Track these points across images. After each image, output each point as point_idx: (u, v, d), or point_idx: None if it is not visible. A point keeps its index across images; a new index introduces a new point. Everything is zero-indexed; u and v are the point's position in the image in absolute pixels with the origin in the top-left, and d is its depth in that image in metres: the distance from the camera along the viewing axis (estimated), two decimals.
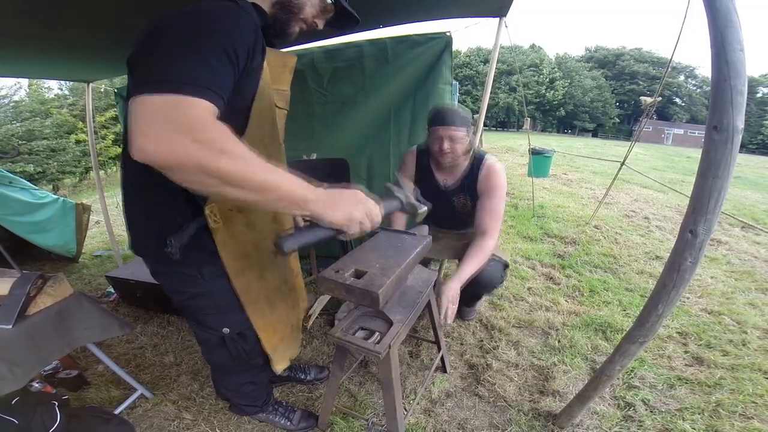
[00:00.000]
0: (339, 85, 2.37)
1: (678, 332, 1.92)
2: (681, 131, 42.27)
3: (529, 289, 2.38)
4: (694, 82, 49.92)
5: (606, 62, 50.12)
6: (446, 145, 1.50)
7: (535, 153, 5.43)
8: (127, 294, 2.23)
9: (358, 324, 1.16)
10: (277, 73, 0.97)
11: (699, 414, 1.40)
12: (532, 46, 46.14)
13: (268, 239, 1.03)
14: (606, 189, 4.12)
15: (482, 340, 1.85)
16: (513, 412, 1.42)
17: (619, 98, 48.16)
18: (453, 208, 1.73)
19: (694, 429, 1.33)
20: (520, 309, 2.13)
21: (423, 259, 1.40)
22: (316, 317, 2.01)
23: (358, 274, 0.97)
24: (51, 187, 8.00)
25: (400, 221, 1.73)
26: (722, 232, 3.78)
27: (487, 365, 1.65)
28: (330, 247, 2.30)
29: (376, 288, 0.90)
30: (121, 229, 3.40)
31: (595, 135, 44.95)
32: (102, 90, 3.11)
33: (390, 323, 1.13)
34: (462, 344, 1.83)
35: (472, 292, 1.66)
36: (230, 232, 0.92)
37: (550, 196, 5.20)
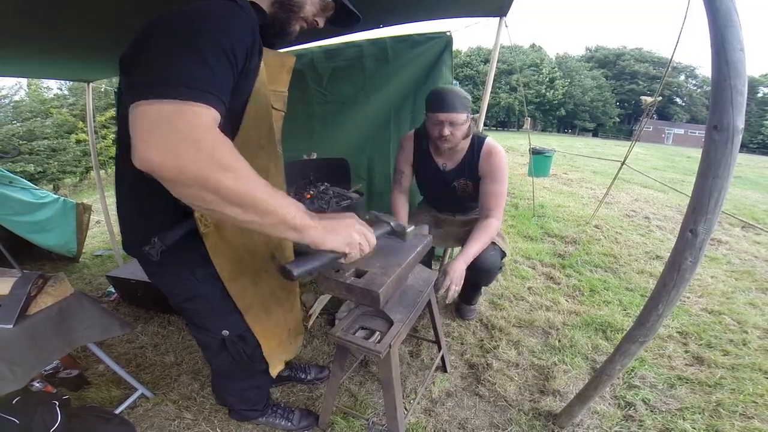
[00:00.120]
0: (339, 84, 2.37)
1: (678, 332, 1.92)
2: (681, 131, 42.30)
3: (529, 288, 2.38)
4: (694, 81, 49.97)
5: (606, 62, 50.13)
6: (446, 131, 1.47)
7: (535, 152, 5.41)
8: (128, 294, 2.23)
9: (358, 323, 1.16)
10: (274, 73, 0.95)
11: (699, 414, 1.40)
12: (532, 46, 46.08)
13: (261, 244, 1.03)
14: (606, 189, 4.12)
15: (482, 340, 1.85)
16: (513, 412, 1.42)
17: (619, 98, 48.15)
18: (453, 191, 1.71)
19: (694, 429, 1.33)
20: (520, 308, 2.13)
21: (424, 259, 1.40)
22: (317, 317, 2.01)
23: (359, 274, 0.97)
24: (51, 186, 7.98)
25: (403, 218, 1.73)
26: (722, 232, 3.78)
27: (487, 365, 1.65)
28: None
29: (376, 287, 0.89)
30: None
31: (595, 135, 44.91)
32: (102, 90, 3.11)
33: (390, 323, 1.13)
34: (462, 344, 1.83)
35: (473, 281, 1.65)
36: (222, 236, 0.90)
37: (550, 196, 5.19)
